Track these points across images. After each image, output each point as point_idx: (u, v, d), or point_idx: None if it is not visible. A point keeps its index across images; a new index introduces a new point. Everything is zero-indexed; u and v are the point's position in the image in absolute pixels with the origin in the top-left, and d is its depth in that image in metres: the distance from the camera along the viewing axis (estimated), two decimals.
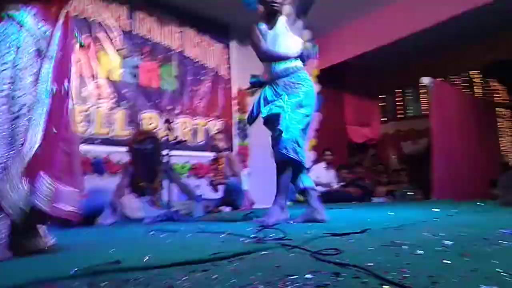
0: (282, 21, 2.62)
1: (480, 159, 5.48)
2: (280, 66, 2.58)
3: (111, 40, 4.59)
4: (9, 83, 1.45)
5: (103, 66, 4.51)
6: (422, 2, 4.98)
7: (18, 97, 1.46)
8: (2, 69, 1.45)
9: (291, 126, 2.43)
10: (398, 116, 8.00)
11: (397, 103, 8.03)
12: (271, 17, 2.65)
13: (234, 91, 5.81)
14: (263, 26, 2.68)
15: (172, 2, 5.03)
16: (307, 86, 2.56)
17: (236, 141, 5.71)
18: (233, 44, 5.87)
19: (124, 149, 4.40)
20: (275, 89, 2.59)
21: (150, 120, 4.85)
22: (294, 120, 2.45)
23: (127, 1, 4.74)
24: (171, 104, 5.07)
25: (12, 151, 1.42)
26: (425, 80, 5.26)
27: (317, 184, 5.81)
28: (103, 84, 4.49)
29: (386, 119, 8.16)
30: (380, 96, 8.17)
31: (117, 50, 4.63)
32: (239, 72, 5.80)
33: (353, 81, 7.48)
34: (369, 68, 7.21)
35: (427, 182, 4.92)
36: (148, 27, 4.97)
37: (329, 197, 5.05)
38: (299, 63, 2.64)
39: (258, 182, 5.13)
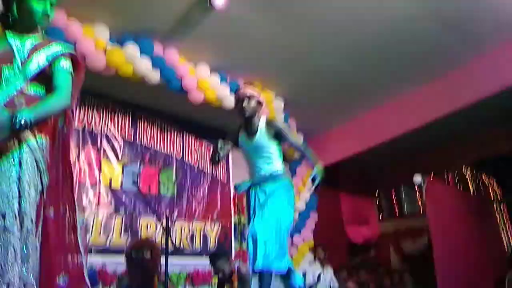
0: (262, 130, 2.72)
1: (483, 256, 5.39)
2: (264, 171, 2.70)
3: (114, 149, 4.78)
4: (18, 197, 1.48)
5: (104, 174, 4.63)
6: (411, 103, 5.29)
7: (27, 212, 1.48)
8: (10, 183, 1.49)
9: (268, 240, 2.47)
10: (396, 214, 8.02)
11: (393, 201, 8.11)
12: (249, 126, 2.76)
13: (232, 193, 5.88)
14: (244, 137, 2.78)
15: (173, 111, 5.33)
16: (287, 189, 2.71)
17: (234, 245, 5.62)
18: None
19: (120, 259, 4.34)
20: (264, 191, 2.67)
21: (148, 226, 4.83)
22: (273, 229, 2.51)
23: (130, 111, 5.04)
24: (169, 209, 5.09)
25: (27, 269, 1.42)
26: (417, 178, 5.40)
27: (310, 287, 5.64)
28: (103, 192, 4.56)
29: (383, 217, 8.16)
30: (375, 194, 8.28)
31: (119, 159, 4.79)
32: (236, 174, 5.94)
33: (348, 179, 7.63)
34: (363, 166, 7.41)
35: (433, 284, 4.77)
36: (150, 135, 5.21)
37: None
38: (280, 166, 2.76)
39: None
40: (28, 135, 1.57)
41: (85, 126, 4.62)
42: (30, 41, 1.76)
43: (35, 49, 1.73)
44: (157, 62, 4.12)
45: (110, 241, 4.46)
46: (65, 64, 1.77)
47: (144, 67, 4.04)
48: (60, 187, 1.64)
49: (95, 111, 4.74)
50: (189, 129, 5.61)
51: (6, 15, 1.76)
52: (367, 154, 5.99)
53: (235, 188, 2.91)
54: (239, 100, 2.76)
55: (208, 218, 5.48)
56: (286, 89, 5.21)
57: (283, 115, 5.42)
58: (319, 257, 5.87)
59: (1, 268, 1.38)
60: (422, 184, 5.35)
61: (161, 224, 3.93)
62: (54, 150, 1.66)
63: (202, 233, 5.34)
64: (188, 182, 5.44)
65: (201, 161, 5.69)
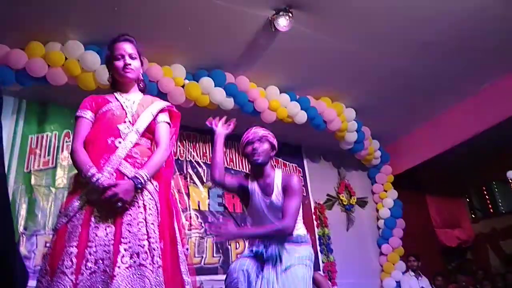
0: (278, 185, 2.33)
1: None
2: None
3: (198, 174, 5.14)
4: (146, 238, 1.70)
5: (192, 198, 4.99)
6: (492, 97, 5.02)
7: (156, 249, 1.71)
8: (139, 227, 1.72)
9: None
10: (490, 212, 7.49)
11: (485, 200, 7.59)
12: (260, 177, 2.39)
13: (312, 206, 5.96)
14: (254, 190, 2.39)
15: None
16: None
17: (320, 258, 5.67)
18: (306, 162, 6.20)
19: (215, 277, 4.62)
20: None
21: (237, 244, 5.08)
22: None
23: (210, 139, 5.39)
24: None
25: None
26: (511, 173, 5.07)
27: None
28: (193, 215, 4.91)
29: (477, 217, 7.66)
30: (464, 194, 7.81)
31: (204, 183, 5.14)
32: (314, 187, 6.03)
33: (433, 182, 7.30)
34: (447, 167, 7.06)
35: None
36: (229, 157, 5.51)
37: None
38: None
39: None
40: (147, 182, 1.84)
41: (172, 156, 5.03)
42: (133, 98, 2.05)
43: (141, 106, 2.01)
44: (230, 90, 4.40)
45: (204, 261, 4.77)
46: (165, 118, 2.04)
47: (219, 96, 4.34)
48: (166, 222, 1.85)
49: (178, 141, 5.15)
50: None
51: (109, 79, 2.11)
52: (450, 154, 5.73)
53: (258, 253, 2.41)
54: (248, 142, 2.41)
55: None
56: (356, 98, 5.22)
57: (356, 124, 5.43)
58: (412, 266, 5.70)
59: None
60: None
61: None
62: (161, 189, 1.91)
63: None
64: None
65: None
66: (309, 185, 6.07)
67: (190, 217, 4.89)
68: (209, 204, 5.09)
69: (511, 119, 4.83)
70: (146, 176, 1.80)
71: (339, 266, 5.56)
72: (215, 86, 4.32)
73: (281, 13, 3.70)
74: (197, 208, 4.99)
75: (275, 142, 2.47)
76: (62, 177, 4.26)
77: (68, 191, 1.91)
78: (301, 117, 4.90)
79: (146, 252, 1.67)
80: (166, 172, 2.00)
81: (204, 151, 5.33)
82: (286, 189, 2.29)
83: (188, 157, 5.17)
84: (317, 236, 5.75)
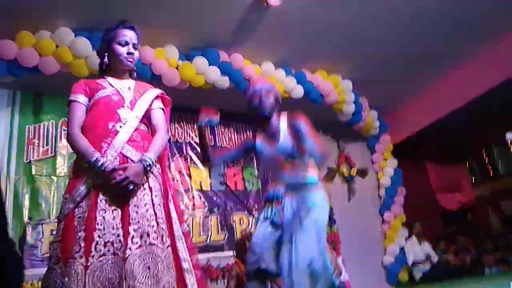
0: (285, 131, 2.36)
1: None
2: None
3: (198, 155, 5.15)
4: (155, 219, 1.77)
5: (194, 179, 5.02)
6: (489, 61, 4.99)
7: (164, 229, 1.78)
8: (146, 208, 1.77)
9: None
10: (490, 175, 7.57)
11: (485, 163, 7.66)
12: (267, 128, 2.43)
13: None
14: (262, 141, 2.43)
15: (244, 112, 5.56)
16: None
17: None
18: None
19: (221, 253, 4.71)
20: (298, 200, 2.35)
21: (241, 221, 5.15)
22: None
23: None
24: (257, 203, 5.37)
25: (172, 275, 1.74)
26: (510, 135, 5.09)
27: (416, 263, 5.58)
28: (196, 195, 4.96)
29: (476, 180, 7.75)
30: (464, 159, 7.87)
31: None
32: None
33: (432, 148, 7.34)
34: (446, 132, 7.08)
35: None
36: (228, 137, 5.51)
37: (437, 274, 4.76)
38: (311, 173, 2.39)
39: (354, 266, 5.06)
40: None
41: (170, 138, 5.03)
42: (128, 84, 2.04)
43: (137, 92, 2.02)
44: (224, 69, 4.36)
45: (209, 239, 4.84)
46: (159, 104, 2.07)
47: (214, 75, 4.30)
48: (164, 203, 1.90)
49: (176, 123, 5.14)
50: None
51: (101, 64, 2.07)
52: (448, 120, 5.74)
53: (271, 197, 2.40)
54: (254, 96, 2.42)
55: None
56: (352, 70, 5.18)
57: (353, 95, 5.41)
58: (415, 232, 5.80)
59: (155, 276, 1.66)
60: None
61: (253, 217, 4.17)
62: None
63: None
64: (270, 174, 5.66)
65: None
66: None
67: (193, 197, 4.94)
68: (211, 184, 5.13)
69: (509, 81, 4.81)
70: (153, 159, 1.85)
71: (343, 236, 5.65)
72: (209, 65, 4.27)
73: None
74: (200, 188, 5.03)
75: (279, 96, 2.52)
76: (63, 166, 4.28)
77: (69, 176, 1.92)
78: (298, 92, 4.87)
79: (156, 232, 1.73)
80: (162, 155, 2.04)
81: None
82: (297, 132, 2.30)
83: (187, 139, 5.17)
84: None
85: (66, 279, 1.58)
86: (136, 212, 1.73)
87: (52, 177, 4.18)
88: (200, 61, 4.23)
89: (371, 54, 4.91)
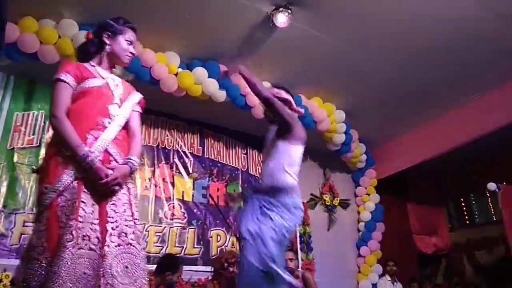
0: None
1: None
2: None
3: (184, 165, 5.11)
4: (132, 219, 1.79)
5: (177, 188, 4.96)
6: (479, 109, 5.10)
7: (140, 231, 1.83)
8: (125, 208, 1.79)
9: None
10: (467, 223, 7.66)
11: (463, 210, 7.76)
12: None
13: None
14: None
15: (237, 127, 5.60)
16: None
17: (300, 255, 5.70)
18: None
19: (194, 267, 4.62)
20: None
21: (218, 237, 5.08)
22: None
23: (199, 131, 5.37)
24: (237, 221, 5.31)
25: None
26: (491, 186, 5.16)
27: None
28: (176, 205, 4.89)
29: (453, 226, 7.82)
30: (444, 203, 7.96)
31: (189, 174, 5.11)
32: (298, 186, 6.05)
33: (415, 189, 7.40)
34: (430, 174, 7.18)
35: None
36: (217, 150, 5.50)
37: None
38: None
39: None
40: None
41: (158, 144, 5.00)
42: (117, 80, 2.04)
43: (125, 91, 2.04)
44: (223, 82, 4.39)
45: (184, 251, 4.75)
46: (139, 108, 2.10)
47: (212, 87, 4.32)
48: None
49: (167, 130, 5.11)
50: (252, 143, 5.83)
51: (96, 50, 2.01)
52: (432, 163, 5.84)
53: None
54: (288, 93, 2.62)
55: None
56: (347, 101, 5.26)
57: (345, 126, 5.47)
58: (391, 271, 5.79)
59: (132, 275, 1.67)
60: (497, 191, 5.12)
61: (233, 235, 4.13)
62: None
63: None
64: None
65: None
66: None
67: (173, 207, 4.86)
68: (193, 195, 5.08)
69: (493, 133, 4.94)
70: (138, 162, 1.89)
71: (318, 265, 5.61)
72: (209, 77, 4.29)
73: (280, 9, 3.71)
74: (181, 198, 4.97)
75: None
76: None
77: (45, 163, 1.81)
78: None
79: (133, 233, 1.73)
80: None
81: (192, 141, 5.30)
82: None
83: (176, 147, 5.14)
84: (298, 234, 5.79)
85: (57, 267, 1.54)
86: (114, 210, 1.73)
87: (34, 167, 4.09)
88: (200, 72, 4.25)
89: (368, 88, 5.01)
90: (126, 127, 1.97)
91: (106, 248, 1.62)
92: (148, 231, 4.56)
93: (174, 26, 3.97)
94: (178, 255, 4.49)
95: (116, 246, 1.66)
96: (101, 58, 2.01)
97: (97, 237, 1.64)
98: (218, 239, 5.07)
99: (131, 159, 1.85)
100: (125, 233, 1.71)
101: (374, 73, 4.72)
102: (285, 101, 2.48)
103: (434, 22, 3.95)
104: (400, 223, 7.03)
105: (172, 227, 4.77)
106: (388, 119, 5.58)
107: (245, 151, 5.78)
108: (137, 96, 2.09)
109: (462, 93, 5.10)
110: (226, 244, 5.04)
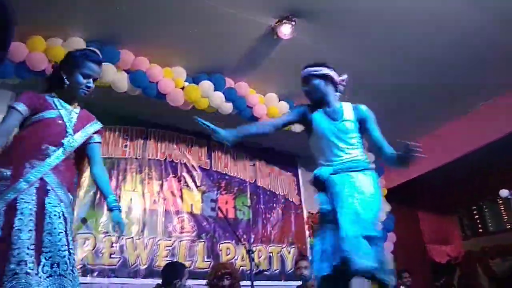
0: (349, 113, 2.44)
1: None
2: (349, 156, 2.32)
3: (193, 178, 5.12)
4: (67, 249, 1.80)
5: (185, 202, 4.96)
6: (491, 114, 5.05)
7: (74, 260, 1.84)
8: (60, 237, 1.79)
9: None
10: (480, 231, 7.53)
11: (476, 218, 7.63)
12: (325, 106, 2.43)
13: (305, 216, 5.95)
14: (321, 116, 2.41)
15: (245, 140, 5.58)
16: None
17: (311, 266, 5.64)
18: (301, 171, 6.21)
19: (203, 282, 4.57)
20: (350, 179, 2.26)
21: (228, 250, 5.04)
22: None
23: (206, 144, 5.39)
24: (246, 233, 5.29)
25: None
26: (504, 192, 5.09)
27: None
28: (186, 219, 4.88)
29: (466, 235, 7.70)
30: (456, 212, 7.84)
31: (198, 187, 5.11)
32: (308, 197, 6.02)
33: (426, 197, 7.31)
34: (440, 183, 7.09)
35: None
36: (224, 163, 5.50)
37: None
38: (365, 156, 2.37)
39: None
40: None
41: (166, 158, 5.01)
42: (73, 110, 2.09)
43: (80, 120, 2.08)
44: (229, 95, 4.41)
45: (194, 265, 4.72)
46: (99, 138, 2.18)
47: (218, 100, 4.34)
48: None
49: (174, 144, 5.13)
50: (260, 155, 5.82)
51: (57, 83, 2.07)
52: (443, 171, 5.76)
53: (316, 177, 2.29)
54: (302, 83, 2.48)
55: (284, 241, 5.58)
56: None
57: None
58: (406, 282, 5.68)
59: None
60: (510, 198, 5.03)
61: (245, 247, 4.10)
62: None
63: (279, 256, 5.44)
64: (262, 206, 5.62)
65: (273, 185, 5.85)
66: (302, 195, 6.06)
67: (183, 220, 4.86)
68: (202, 208, 5.07)
69: (503, 139, 4.88)
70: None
71: None
72: (215, 90, 4.32)
73: (284, 21, 3.72)
74: (190, 211, 4.96)
75: (327, 72, 2.48)
76: None
77: None
78: (299, 125, 4.89)
79: (66, 263, 1.76)
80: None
81: (200, 155, 5.32)
82: (365, 120, 2.43)
83: (183, 160, 5.15)
84: (308, 246, 5.74)
85: None
86: (50, 240, 1.76)
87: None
88: (206, 85, 4.28)
89: (373, 97, 4.94)
90: (78, 157, 2.08)
91: (38, 278, 1.68)
92: (158, 245, 4.55)
93: (180, 41, 4.01)
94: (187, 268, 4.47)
95: (47, 277, 1.70)
96: (62, 90, 2.08)
97: (33, 262, 1.68)
98: (228, 252, 5.04)
99: (116, 203, 2.09)
100: (58, 264, 1.74)
101: (380, 83, 4.69)
102: None
103: (439, 30, 3.94)
104: (412, 232, 6.94)
105: (182, 240, 4.76)
106: (396, 127, 5.50)
107: (253, 163, 5.77)
108: (95, 126, 2.16)
109: (473, 99, 5.06)
110: (236, 257, 5.01)
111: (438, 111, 5.28)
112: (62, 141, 1.95)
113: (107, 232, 4.29)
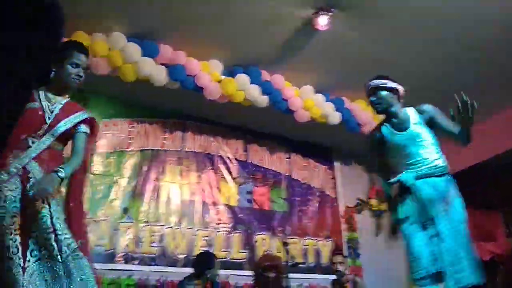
0: (414, 118, 2.52)
1: None
2: (428, 162, 2.52)
3: (229, 170, 5.19)
4: (52, 231, 1.85)
5: (222, 193, 5.04)
6: None
7: (62, 240, 1.85)
8: (44, 220, 1.85)
9: None
10: None
11: None
12: (391, 119, 2.55)
13: (341, 209, 5.89)
14: (389, 131, 2.54)
15: (280, 132, 5.61)
16: None
17: (347, 262, 5.59)
18: (337, 165, 6.14)
19: (240, 272, 4.65)
20: (434, 186, 2.55)
21: (263, 241, 5.09)
22: None
23: (242, 137, 5.44)
24: (282, 225, 5.31)
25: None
26: None
27: None
28: (222, 210, 4.96)
29: (511, 232, 7.35)
30: (500, 208, 7.51)
31: (234, 179, 5.18)
32: (344, 190, 5.96)
33: (470, 192, 7.02)
34: (485, 178, 6.80)
35: None
36: (260, 156, 5.53)
37: None
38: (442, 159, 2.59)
39: None
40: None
41: (204, 150, 5.11)
42: (58, 101, 2.13)
43: (63, 111, 2.11)
44: (265, 88, 4.42)
45: (230, 256, 4.80)
46: (85, 128, 2.17)
47: (254, 93, 4.37)
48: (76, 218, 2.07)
49: (211, 136, 5.21)
50: (295, 148, 5.81)
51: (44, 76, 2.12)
52: (488, 165, 5.54)
53: (391, 183, 2.50)
54: (368, 96, 2.59)
55: (319, 234, 5.56)
56: None
57: None
58: None
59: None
60: None
61: (280, 239, 4.13)
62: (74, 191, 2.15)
63: (314, 249, 5.43)
64: (297, 199, 5.61)
65: (309, 178, 5.83)
66: (338, 188, 6.00)
67: (219, 212, 4.94)
68: (238, 200, 5.13)
69: None
70: (64, 172, 1.95)
71: (365, 272, 5.47)
72: (251, 83, 4.34)
73: (321, 12, 3.68)
74: (227, 203, 5.04)
75: (395, 86, 2.57)
76: (99, 164, 4.41)
77: None
78: (335, 117, 4.85)
79: (52, 246, 1.81)
80: (80, 176, 2.16)
81: (237, 147, 5.37)
82: (432, 117, 2.55)
83: (220, 153, 5.23)
84: (345, 240, 5.69)
85: None
86: (35, 225, 1.83)
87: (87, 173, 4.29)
88: (242, 78, 4.31)
89: (410, 89, 4.82)
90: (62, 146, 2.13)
91: (27, 262, 1.76)
92: (195, 235, 4.66)
93: (217, 34, 4.05)
94: (224, 259, 4.56)
95: (35, 261, 1.78)
96: (53, 83, 2.14)
97: (17, 247, 1.76)
98: (263, 243, 5.09)
99: (57, 168, 1.94)
100: (45, 247, 1.81)
101: (415, 78, 4.55)
102: None
103: (478, 22, 3.81)
104: None
105: (219, 231, 4.85)
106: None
107: (288, 156, 5.77)
108: (80, 116, 2.16)
109: None
110: (271, 249, 5.05)
111: (483, 102, 5.02)
112: (39, 132, 2.00)
113: (147, 222, 4.44)
